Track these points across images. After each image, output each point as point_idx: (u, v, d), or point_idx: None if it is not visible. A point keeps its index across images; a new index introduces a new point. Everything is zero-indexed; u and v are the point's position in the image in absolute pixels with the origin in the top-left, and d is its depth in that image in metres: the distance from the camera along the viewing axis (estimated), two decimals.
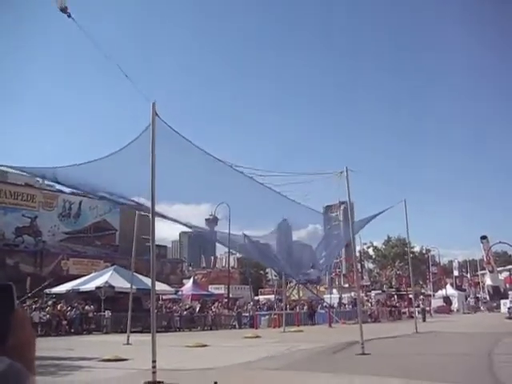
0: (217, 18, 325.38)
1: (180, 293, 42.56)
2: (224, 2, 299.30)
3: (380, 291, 62.69)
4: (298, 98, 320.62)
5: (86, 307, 31.54)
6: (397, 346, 19.28)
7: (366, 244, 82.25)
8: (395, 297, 54.56)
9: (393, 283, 68.21)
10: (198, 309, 38.47)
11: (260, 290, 67.16)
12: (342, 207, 50.98)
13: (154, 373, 10.83)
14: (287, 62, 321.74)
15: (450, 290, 61.90)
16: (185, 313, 35.64)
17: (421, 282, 75.83)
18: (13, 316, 1.24)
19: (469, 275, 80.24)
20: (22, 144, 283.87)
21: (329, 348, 18.70)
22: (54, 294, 33.60)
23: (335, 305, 46.32)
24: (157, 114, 12.25)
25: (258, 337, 24.78)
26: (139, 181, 14.67)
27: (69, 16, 12.53)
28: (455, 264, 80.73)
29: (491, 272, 56.89)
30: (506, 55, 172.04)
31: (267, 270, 72.76)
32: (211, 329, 34.81)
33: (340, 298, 51.30)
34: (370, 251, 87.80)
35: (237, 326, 36.29)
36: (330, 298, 49.11)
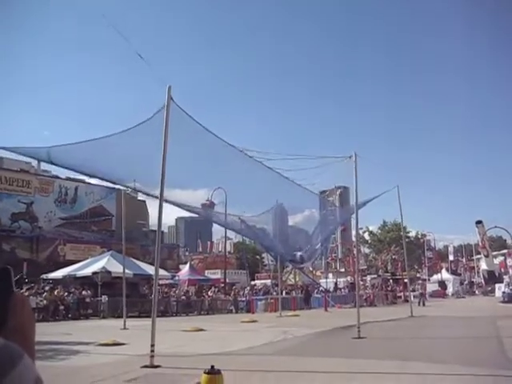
0: (226, 8, 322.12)
1: (177, 278, 42.69)
2: None
3: (376, 275, 62.97)
4: (298, 87, 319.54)
5: (83, 292, 31.62)
6: (392, 330, 19.42)
7: (361, 229, 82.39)
8: (390, 281, 54.81)
9: (388, 268, 68.47)
10: (193, 293, 38.59)
11: (256, 274, 67.36)
12: (338, 192, 51.10)
13: (151, 357, 10.89)
14: (285, 49, 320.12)
15: (445, 275, 62.17)
16: (182, 298, 35.76)
17: (416, 267, 76.12)
18: (11, 299, 1.24)
19: (464, 260, 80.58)
20: (20, 129, 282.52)
21: (325, 332, 18.83)
22: (50, 279, 33.66)
23: (331, 289, 46.55)
24: (172, 99, 12.21)
25: (254, 321, 24.89)
26: (135, 166, 14.66)
27: None
28: (450, 249, 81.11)
29: (486, 256, 57.13)
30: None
31: (263, 255, 72.93)
32: (208, 313, 34.94)
33: (336, 283, 51.52)
34: (366, 236, 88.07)
35: (233, 311, 36.47)
36: (326, 282, 49.32)
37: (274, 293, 39.35)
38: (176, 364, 11.20)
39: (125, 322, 21.76)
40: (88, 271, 32.86)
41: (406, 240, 37.55)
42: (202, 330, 20.04)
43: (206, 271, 56.03)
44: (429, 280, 62.61)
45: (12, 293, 1.25)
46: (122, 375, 10.01)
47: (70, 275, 33.66)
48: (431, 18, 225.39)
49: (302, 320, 26.10)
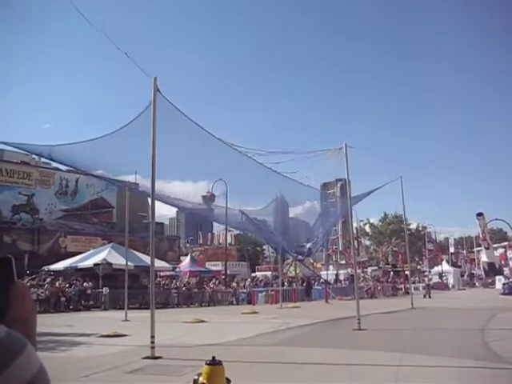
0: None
1: (177, 269, 42.76)
2: None
3: (376, 267, 63.07)
4: (296, 76, 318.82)
5: (85, 284, 31.72)
6: (393, 322, 19.46)
7: (362, 221, 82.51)
8: (391, 273, 54.92)
9: (389, 260, 68.56)
10: (194, 284, 38.70)
11: (257, 266, 67.43)
12: (338, 184, 51.07)
13: (152, 348, 10.93)
14: (285, 39, 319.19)
15: (445, 267, 62.25)
16: (183, 289, 35.85)
17: (417, 259, 76.23)
18: (13, 288, 1.24)
19: (464, 252, 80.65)
20: (21, 122, 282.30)
21: (325, 323, 18.89)
22: (52, 271, 33.73)
23: (332, 281, 46.61)
24: (158, 90, 12.10)
25: (255, 313, 24.98)
26: (136, 159, 14.66)
27: None
28: (451, 241, 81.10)
29: (487, 249, 57.18)
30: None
31: (264, 247, 73.03)
32: (209, 305, 35.06)
33: (336, 275, 51.57)
34: (367, 228, 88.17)
35: (234, 302, 36.57)
36: (327, 274, 49.35)
37: (275, 284, 39.49)
38: (177, 355, 11.24)
39: (126, 313, 21.83)
40: (89, 263, 32.95)
41: (407, 232, 37.51)
42: (202, 321, 20.11)
43: (207, 263, 56.08)
44: (429, 272, 62.71)
45: (13, 282, 1.25)
46: (124, 366, 10.06)
47: (72, 267, 33.76)
48: (433, 13, 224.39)
49: (302, 312, 26.16)
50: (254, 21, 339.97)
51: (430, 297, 37.11)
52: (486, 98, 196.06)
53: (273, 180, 20.54)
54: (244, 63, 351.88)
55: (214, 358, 5.56)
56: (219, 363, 5.54)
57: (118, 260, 31.31)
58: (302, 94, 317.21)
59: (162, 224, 67.75)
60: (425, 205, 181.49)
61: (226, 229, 51.55)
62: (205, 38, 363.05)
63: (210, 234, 75.82)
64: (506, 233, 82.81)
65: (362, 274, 50.03)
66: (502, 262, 54.59)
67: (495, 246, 62.30)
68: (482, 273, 60.30)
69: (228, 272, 47.79)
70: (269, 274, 50.45)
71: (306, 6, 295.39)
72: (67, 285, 30.92)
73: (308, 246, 31.93)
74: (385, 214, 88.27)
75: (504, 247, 58.04)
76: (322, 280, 43.69)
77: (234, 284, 40.20)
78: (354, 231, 50.16)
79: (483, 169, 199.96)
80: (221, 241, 66.72)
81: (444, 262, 64.73)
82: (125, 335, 15.32)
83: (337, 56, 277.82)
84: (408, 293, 34.38)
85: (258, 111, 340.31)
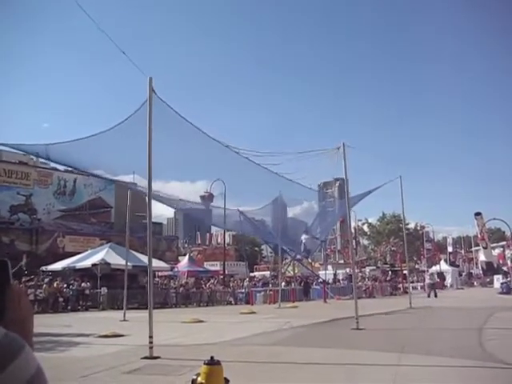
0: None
1: (176, 269, 42.77)
2: None
3: (375, 267, 63.13)
4: (295, 76, 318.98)
5: (83, 284, 31.68)
6: (391, 321, 19.48)
7: (360, 220, 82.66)
8: (389, 273, 54.96)
9: (387, 259, 68.64)
10: (192, 284, 38.70)
11: (255, 266, 67.47)
12: (337, 184, 51.15)
13: (150, 348, 10.93)
14: (284, 39, 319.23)
15: (443, 266, 62.28)
16: (181, 289, 35.85)
17: (415, 258, 76.30)
18: (9, 291, 1.25)
19: (463, 251, 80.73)
20: (19, 121, 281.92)
21: (324, 323, 18.88)
22: (50, 271, 33.69)
23: (330, 281, 46.63)
24: (153, 90, 12.07)
25: (253, 313, 24.97)
26: (134, 159, 14.64)
27: None
28: (449, 240, 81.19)
29: (485, 248, 57.32)
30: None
31: (262, 247, 73.14)
32: (207, 305, 35.05)
33: (335, 274, 51.61)
34: (365, 228, 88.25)
35: (232, 302, 36.57)
36: (325, 273, 49.37)
37: (271, 285, 39.54)
38: (175, 355, 11.24)
39: (124, 313, 21.82)
40: (87, 263, 32.90)
41: (405, 232, 37.51)
42: (201, 321, 20.10)
43: (205, 263, 56.10)
44: (427, 271, 62.78)
45: (9, 284, 1.26)
46: (122, 366, 10.05)
47: (70, 267, 33.72)
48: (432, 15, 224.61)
49: (300, 311, 26.16)
50: (252, 20, 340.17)
51: (435, 295, 36.56)
52: (484, 98, 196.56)
53: (271, 180, 20.54)
54: (243, 63, 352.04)
55: (212, 357, 5.56)
56: (218, 363, 5.53)
57: (116, 260, 31.28)
58: (301, 94, 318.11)
59: (160, 224, 67.80)
60: (423, 204, 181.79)
61: (225, 229, 51.52)
62: (203, 37, 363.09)
63: (208, 233, 75.86)
64: (504, 232, 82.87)
65: (360, 274, 50.10)
66: (500, 262, 54.69)
67: (493, 245, 62.45)
68: (480, 272, 60.40)
69: (226, 272, 47.78)
70: (267, 273, 50.51)
71: (305, 6, 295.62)
72: (65, 285, 30.89)
73: (302, 239, 31.80)
74: (383, 214, 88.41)
75: (502, 247, 58.17)
76: (320, 280, 43.72)
77: (232, 284, 40.20)
78: (352, 231, 50.20)
79: (482, 168, 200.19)
80: (219, 241, 66.72)
81: (442, 262, 64.82)
82: (123, 335, 15.32)
83: (336, 56, 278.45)
84: (406, 292, 34.35)
85: (257, 111, 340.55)
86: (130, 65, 11.87)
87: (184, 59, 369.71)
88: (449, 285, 57.35)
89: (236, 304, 35.61)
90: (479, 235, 58.04)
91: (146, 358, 10.74)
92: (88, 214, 51.94)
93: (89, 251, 36.89)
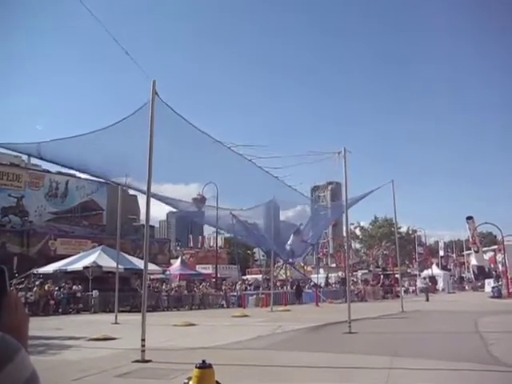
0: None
1: (168, 272, 42.63)
2: None
3: (367, 271, 63.27)
4: (290, 79, 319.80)
5: (74, 287, 31.51)
6: (383, 325, 19.51)
7: (353, 224, 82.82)
8: (381, 276, 55.08)
9: (379, 263, 68.80)
10: (184, 287, 38.64)
11: (247, 269, 67.42)
12: (329, 188, 51.24)
13: (142, 351, 10.89)
14: (281, 42, 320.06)
15: (435, 270, 62.50)
16: (172, 292, 35.75)
17: (407, 262, 76.53)
18: (6, 298, 1.24)
19: (454, 255, 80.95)
20: (12, 123, 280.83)
21: (316, 327, 18.89)
22: (41, 274, 33.48)
23: (322, 284, 46.70)
24: (157, 93, 12.07)
25: (245, 316, 24.95)
26: (127, 160, 14.60)
27: None
28: (441, 244, 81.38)
29: (476, 252, 57.48)
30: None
31: (255, 250, 73.05)
32: (199, 308, 34.96)
33: (327, 278, 51.69)
34: (357, 231, 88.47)
35: (225, 306, 36.51)
36: (317, 277, 49.46)
37: (261, 288, 39.57)
38: (167, 358, 11.21)
39: (116, 316, 21.74)
40: (79, 266, 32.72)
41: (397, 236, 37.64)
42: (192, 324, 20.06)
43: (198, 266, 55.97)
44: (419, 275, 62.98)
45: (6, 292, 1.26)
46: (113, 370, 10.01)
47: (61, 270, 33.53)
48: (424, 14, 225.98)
49: (293, 315, 26.17)
50: (252, 25, 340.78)
51: (427, 299, 36.83)
52: (479, 102, 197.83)
53: (264, 183, 20.51)
54: (240, 66, 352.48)
55: (204, 361, 5.55)
56: (209, 366, 5.52)
57: (108, 263, 31.14)
58: (297, 97, 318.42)
59: (152, 227, 67.60)
60: (415, 208, 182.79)
61: (217, 232, 51.48)
62: (200, 40, 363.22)
63: (200, 236, 75.70)
64: (495, 236, 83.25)
65: (352, 278, 50.19)
66: (492, 266, 54.91)
67: (485, 249, 62.63)
68: (472, 276, 60.59)
69: (218, 275, 47.71)
70: (259, 277, 50.47)
71: (303, 7, 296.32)
72: (56, 288, 30.72)
73: (289, 241, 31.75)
74: (375, 218, 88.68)
75: (493, 251, 58.37)
76: (312, 283, 43.77)
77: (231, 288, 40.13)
78: (345, 234, 50.21)
79: (474, 173, 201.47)
80: (211, 244, 66.63)
81: (434, 266, 65.02)
82: (114, 338, 15.25)
83: (333, 58, 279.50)
84: (398, 296, 34.44)
85: (254, 114, 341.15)
86: (127, 69, 11.84)
87: (181, 62, 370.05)
88: (440, 289, 57.55)
89: (228, 307, 35.55)
90: (471, 239, 58.24)
91: (137, 361, 10.70)
92: (80, 217, 51.77)
93: (80, 254, 36.70)
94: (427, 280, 46.49)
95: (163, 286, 36.92)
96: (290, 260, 39.96)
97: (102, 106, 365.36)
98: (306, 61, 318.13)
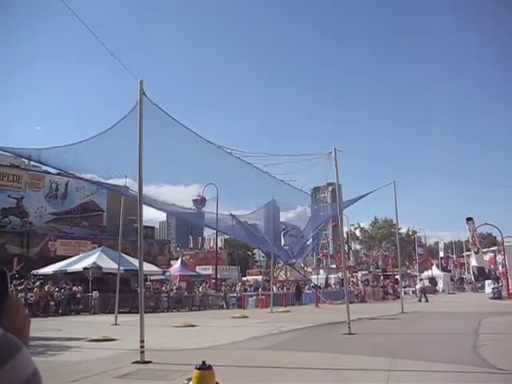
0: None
1: (168, 273, 42.65)
2: None
3: (366, 272, 63.24)
4: (284, 79, 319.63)
5: (74, 288, 31.52)
6: (383, 326, 19.49)
7: (353, 225, 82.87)
8: (381, 277, 55.08)
9: (379, 264, 68.80)
10: (184, 288, 38.64)
11: (247, 270, 67.43)
12: (329, 188, 51.14)
13: (142, 353, 10.89)
14: (275, 41, 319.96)
15: (435, 271, 62.50)
16: (172, 293, 35.76)
17: (407, 263, 76.52)
18: (7, 301, 1.25)
19: (454, 256, 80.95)
20: (11, 124, 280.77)
21: (315, 328, 18.89)
22: (41, 274, 33.49)
23: (322, 285, 46.68)
24: (144, 93, 12.04)
25: (245, 317, 24.96)
26: (126, 163, 14.58)
27: None
28: (441, 245, 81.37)
29: (476, 253, 57.40)
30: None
31: (255, 251, 73.13)
32: (199, 309, 34.98)
33: (326, 279, 51.66)
34: (357, 232, 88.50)
35: (224, 307, 36.52)
36: (317, 278, 49.44)
37: (260, 289, 39.54)
38: (167, 360, 11.21)
39: (116, 317, 21.74)
40: (79, 267, 32.73)
41: (398, 237, 37.60)
42: (192, 325, 20.05)
43: (197, 267, 55.99)
44: (419, 276, 62.95)
45: (7, 295, 1.26)
46: (113, 371, 10.01)
47: (61, 271, 33.54)
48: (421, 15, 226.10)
49: (292, 316, 26.16)
50: (246, 25, 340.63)
51: (426, 300, 36.86)
52: (477, 101, 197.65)
53: (264, 184, 20.48)
54: (238, 66, 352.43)
55: (204, 362, 5.56)
56: (209, 368, 5.53)
57: (108, 264, 31.15)
58: (294, 98, 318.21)
59: (152, 228, 67.59)
60: (415, 209, 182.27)
61: (217, 233, 51.48)
62: (196, 40, 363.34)
63: (200, 238, 75.71)
64: (495, 237, 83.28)
65: (352, 279, 50.16)
66: (492, 267, 54.86)
67: (485, 250, 62.56)
68: (472, 277, 60.56)
69: (218, 276, 47.72)
70: (259, 278, 50.47)
71: (300, 8, 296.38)
72: (56, 289, 30.73)
73: (285, 247, 31.73)
74: (375, 219, 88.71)
75: (493, 252, 58.32)
76: (312, 284, 43.75)
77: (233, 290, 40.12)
78: (345, 236, 50.24)
79: (474, 174, 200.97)
80: (211, 245, 66.66)
81: (434, 267, 65.01)
82: (114, 339, 15.24)
83: (330, 59, 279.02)
84: (398, 297, 34.43)
85: (246, 113, 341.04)
86: (123, 69, 11.85)
87: (177, 63, 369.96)
88: (440, 290, 57.55)
89: (228, 308, 35.57)
90: (471, 240, 58.16)
91: (137, 362, 10.70)
92: (80, 218, 51.73)
93: (80, 255, 36.71)
94: (423, 281, 46.38)
95: (163, 287, 36.93)
96: (290, 261, 39.92)
97: (100, 105, 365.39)
98: (305, 60, 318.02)
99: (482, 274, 54.80)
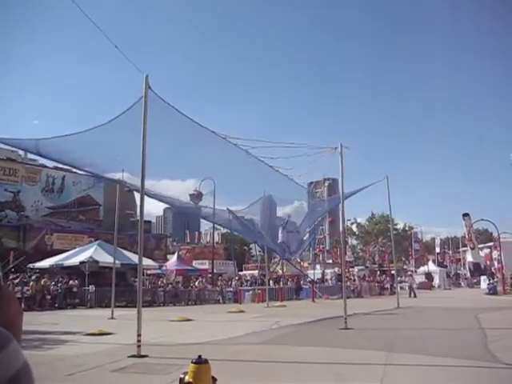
0: None
1: (164, 268, 42.64)
2: None
3: (363, 267, 63.33)
4: (284, 77, 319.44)
5: (70, 282, 31.51)
6: (379, 321, 19.55)
7: (349, 220, 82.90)
8: (378, 273, 55.17)
9: (376, 259, 68.89)
10: (180, 283, 38.65)
11: (244, 265, 67.46)
12: (326, 184, 51.15)
13: (138, 347, 10.89)
14: (276, 38, 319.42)
15: (431, 267, 62.68)
16: (169, 287, 35.77)
17: (403, 259, 76.69)
18: None
19: (450, 252, 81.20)
20: (9, 118, 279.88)
21: (312, 323, 18.91)
22: (37, 268, 33.46)
23: (318, 280, 46.72)
24: (150, 87, 12.02)
25: (241, 311, 25.00)
26: (124, 156, 14.54)
27: None
28: (437, 241, 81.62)
29: (472, 249, 57.70)
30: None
31: (251, 246, 73.12)
32: (195, 303, 35.02)
33: (323, 274, 51.72)
34: (354, 228, 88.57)
35: (221, 301, 36.55)
36: (314, 273, 49.47)
37: (256, 283, 39.56)
38: (163, 354, 11.21)
39: (112, 311, 21.74)
40: (75, 261, 32.71)
41: (394, 232, 37.69)
42: (189, 319, 20.07)
43: (194, 261, 55.99)
44: (415, 272, 63.14)
45: (0, 288, 1.25)
46: (109, 364, 10.00)
47: (57, 265, 33.51)
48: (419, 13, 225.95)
49: (289, 310, 26.20)
50: (246, 24, 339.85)
51: (415, 296, 37.29)
52: (474, 98, 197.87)
53: (262, 178, 20.45)
54: (234, 61, 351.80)
55: (200, 356, 5.55)
56: (205, 362, 5.52)
57: (104, 258, 31.13)
58: (292, 94, 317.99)
59: (149, 222, 67.63)
60: (412, 205, 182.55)
61: (214, 227, 51.49)
62: (197, 36, 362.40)
63: (197, 232, 75.67)
64: (491, 233, 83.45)
65: (348, 274, 50.24)
66: (488, 263, 55.08)
67: (481, 246, 62.89)
68: (468, 273, 60.80)
69: (215, 271, 47.74)
70: (256, 272, 50.49)
71: (298, 6, 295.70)
72: (53, 282, 30.70)
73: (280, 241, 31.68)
74: (372, 214, 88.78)
75: (489, 247, 58.55)
76: (308, 279, 43.78)
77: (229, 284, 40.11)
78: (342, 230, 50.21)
79: (471, 169, 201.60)
80: (208, 239, 66.64)
81: (430, 262, 65.18)
82: (111, 333, 15.24)
83: (327, 56, 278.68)
84: (394, 292, 34.52)
85: (246, 110, 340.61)
86: (125, 64, 11.80)
87: (177, 63, 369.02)
88: (436, 285, 57.72)
89: (224, 303, 35.59)
90: (467, 236, 58.45)
91: (133, 356, 10.70)
92: (76, 212, 51.70)
93: (77, 249, 36.69)
94: (413, 277, 46.57)
95: (159, 282, 36.94)
96: (287, 256, 39.95)
97: (100, 100, 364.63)
98: (305, 59, 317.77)
99: (477, 270, 55.10)
